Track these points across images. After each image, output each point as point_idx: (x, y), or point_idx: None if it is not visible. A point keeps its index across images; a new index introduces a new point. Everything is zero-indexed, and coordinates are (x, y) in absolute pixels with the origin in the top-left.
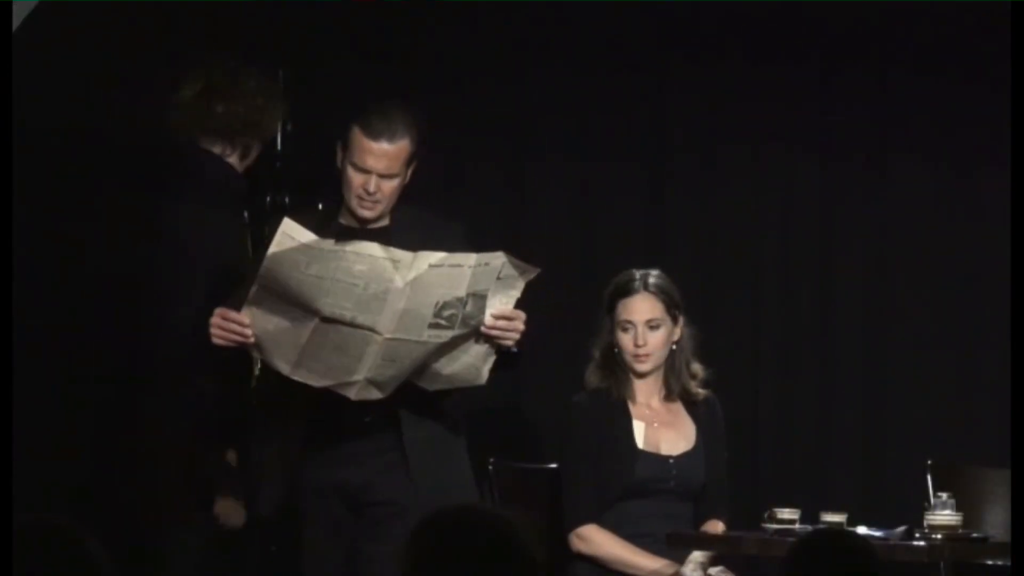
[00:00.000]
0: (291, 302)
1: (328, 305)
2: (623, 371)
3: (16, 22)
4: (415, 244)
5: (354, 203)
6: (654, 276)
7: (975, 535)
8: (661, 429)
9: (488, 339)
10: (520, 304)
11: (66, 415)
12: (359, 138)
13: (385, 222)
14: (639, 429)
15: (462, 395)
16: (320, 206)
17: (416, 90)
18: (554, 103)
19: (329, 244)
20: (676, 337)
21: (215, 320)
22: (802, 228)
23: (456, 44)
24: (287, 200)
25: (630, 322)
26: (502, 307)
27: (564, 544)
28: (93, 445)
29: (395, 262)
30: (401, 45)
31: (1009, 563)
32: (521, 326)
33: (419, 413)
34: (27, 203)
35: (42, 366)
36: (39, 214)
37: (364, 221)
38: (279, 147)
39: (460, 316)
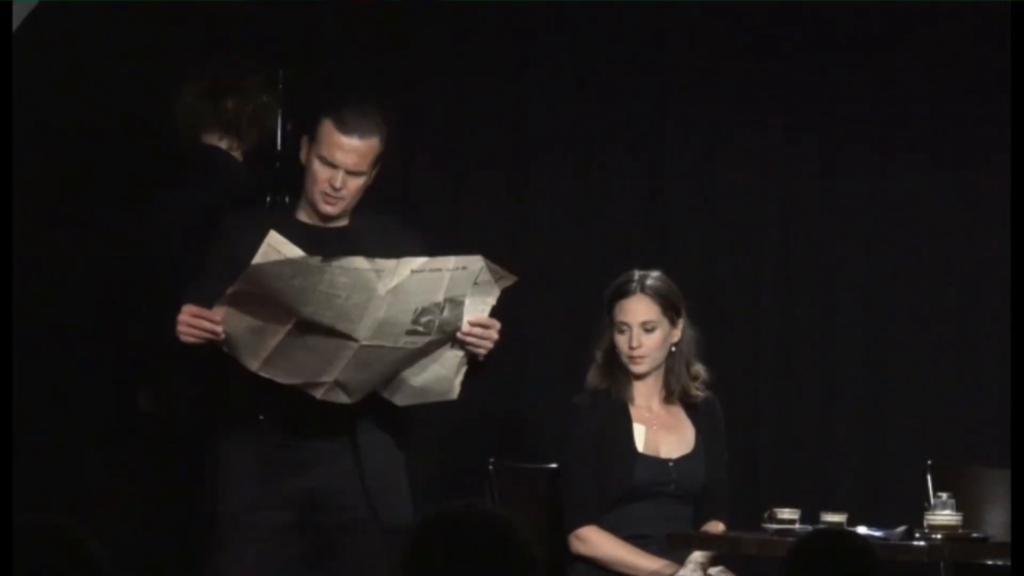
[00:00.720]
0: (269, 306)
1: (308, 313)
2: (623, 372)
3: (16, 22)
4: (374, 248)
5: (317, 198)
6: (652, 278)
7: (975, 535)
8: (661, 432)
9: (462, 347)
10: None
11: (67, 415)
12: (330, 132)
13: (344, 222)
14: (639, 432)
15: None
16: (268, 198)
17: (415, 90)
18: (554, 103)
19: (316, 261)
20: (675, 339)
21: (183, 317)
22: (802, 228)
23: (456, 44)
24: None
25: (625, 324)
26: (478, 314)
27: (564, 544)
28: (94, 445)
29: (379, 272)
30: (401, 45)
31: (1009, 563)
32: (496, 335)
33: (374, 421)
34: (27, 203)
35: (44, 366)
36: (40, 214)
37: (325, 218)
38: (279, 147)
39: (437, 322)
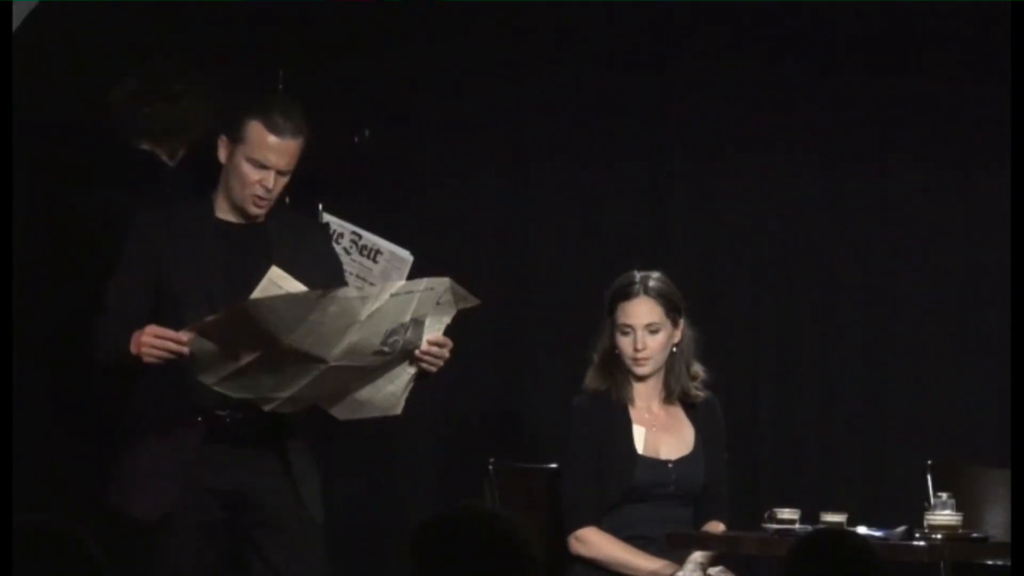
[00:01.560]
0: (248, 334)
1: (290, 341)
2: (623, 374)
3: (16, 22)
4: (291, 244)
5: (248, 200)
6: (654, 279)
7: (975, 535)
8: (660, 433)
9: (415, 364)
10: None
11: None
12: (260, 133)
13: (261, 219)
14: (639, 434)
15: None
16: (287, 199)
17: (415, 91)
18: (555, 104)
19: (315, 294)
20: (676, 340)
21: (145, 338)
22: (802, 228)
23: (456, 44)
24: (287, 199)
25: (629, 326)
26: (435, 333)
27: (564, 545)
28: (92, 444)
29: (364, 299)
30: (401, 45)
31: (1009, 563)
32: (447, 354)
33: (303, 424)
34: (27, 202)
35: (38, 364)
36: (39, 213)
37: (249, 217)
38: None
39: (401, 342)
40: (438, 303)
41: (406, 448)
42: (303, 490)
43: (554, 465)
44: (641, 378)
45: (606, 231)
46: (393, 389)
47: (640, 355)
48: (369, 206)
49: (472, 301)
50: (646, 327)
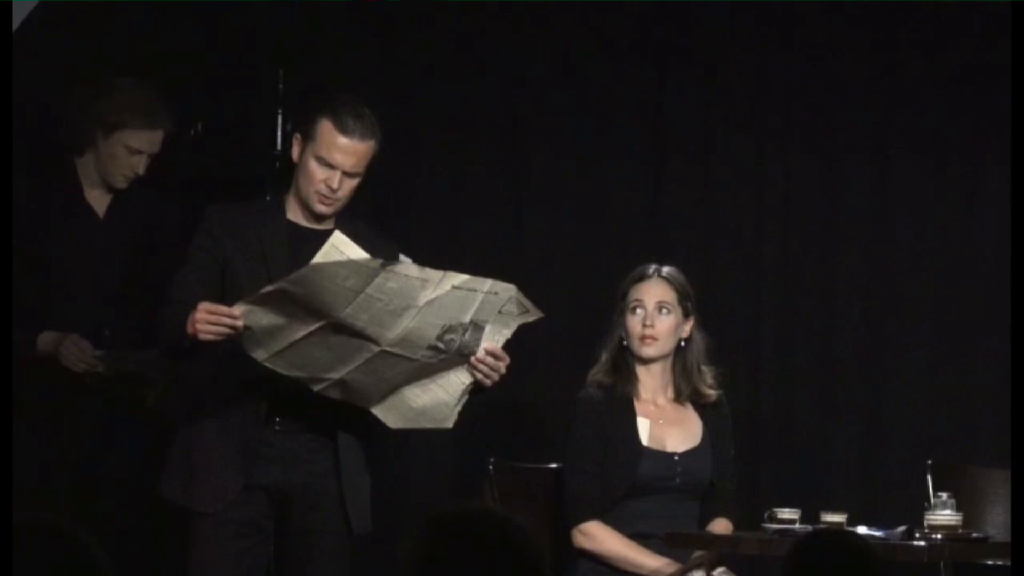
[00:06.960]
0: (304, 306)
1: (345, 315)
2: (629, 368)
3: (16, 22)
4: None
5: (313, 198)
6: (670, 268)
7: (975, 535)
8: (666, 426)
9: (470, 374)
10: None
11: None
12: (329, 132)
13: (329, 225)
14: (644, 426)
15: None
16: (268, 198)
17: (415, 91)
18: (554, 107)
19: (376, 263)
20: (685, 334)
21: (199, 315)
22: (802, 228)
23: (456, 44)
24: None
25: (640, 301)
26: (494, 344)
27: (565, 544)
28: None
29: (424, 281)
30: (401, 45)
31: (1009, 563)
32: (504, 369)
33: (353, 427)
34: (27, 202)
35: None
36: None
37: (316, 219)
38: (279, 147)
39: (458, 343)
40: (500, 311)
41: (406, 448)
42: (348, 496)
43: (554, 465)
44: (645, 362)
45: (605, 234)
46: (447, 399)
47: (647, 331)
48: (368, 206)
49: (535, 314)
50: (657, 305)
